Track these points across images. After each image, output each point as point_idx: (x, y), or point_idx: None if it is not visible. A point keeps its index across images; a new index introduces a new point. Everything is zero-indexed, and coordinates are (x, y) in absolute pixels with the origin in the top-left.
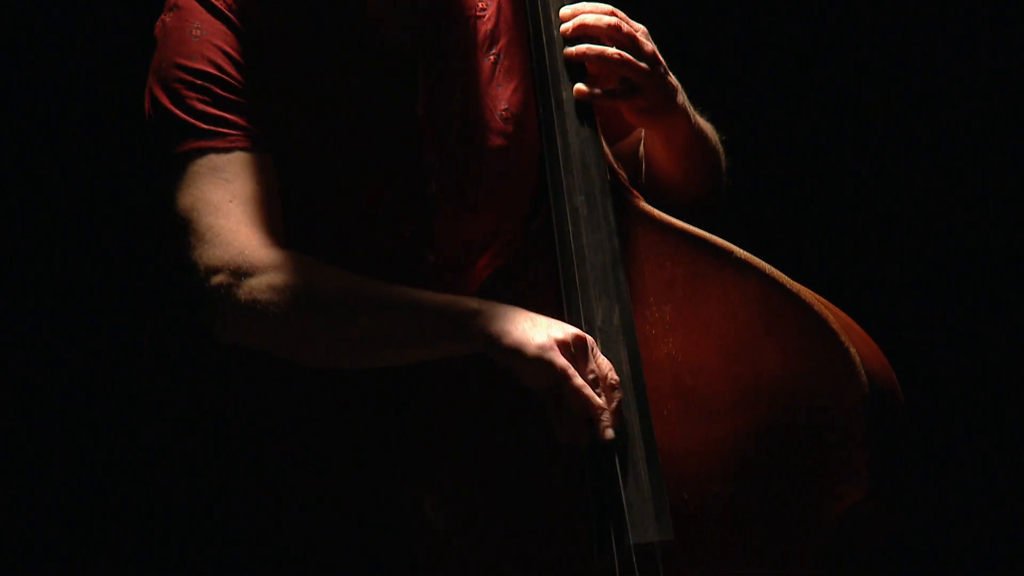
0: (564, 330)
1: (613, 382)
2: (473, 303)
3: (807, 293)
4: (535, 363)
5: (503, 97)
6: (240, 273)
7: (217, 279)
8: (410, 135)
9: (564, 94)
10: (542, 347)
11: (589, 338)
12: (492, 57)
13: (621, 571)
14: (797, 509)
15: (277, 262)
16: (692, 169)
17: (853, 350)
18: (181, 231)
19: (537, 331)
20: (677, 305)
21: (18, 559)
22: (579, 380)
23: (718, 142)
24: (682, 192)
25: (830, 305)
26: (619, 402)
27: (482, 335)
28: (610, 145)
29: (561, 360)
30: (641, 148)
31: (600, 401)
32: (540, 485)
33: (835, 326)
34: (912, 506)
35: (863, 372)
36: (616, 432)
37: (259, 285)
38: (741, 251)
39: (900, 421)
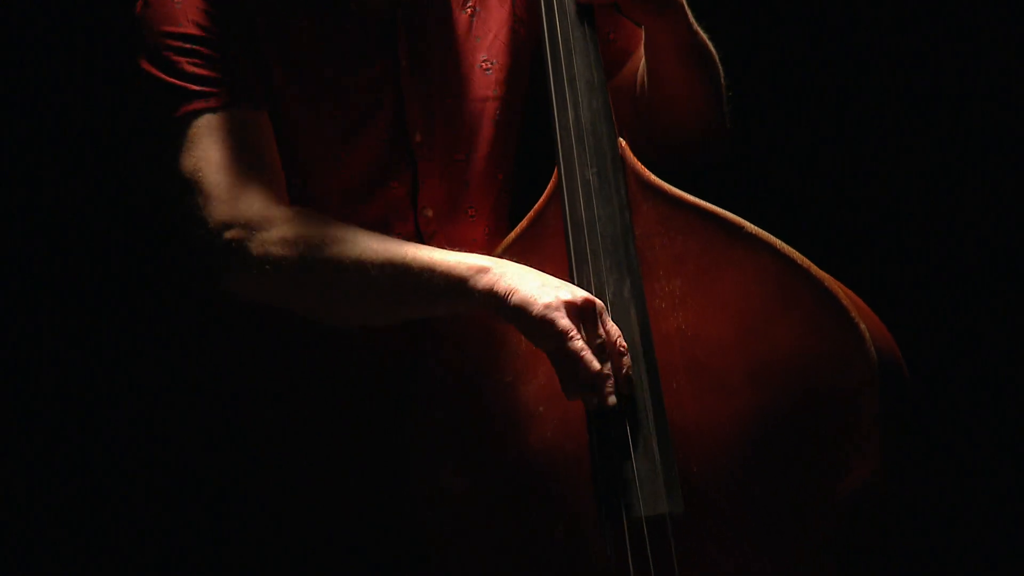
0: (574, 292)
1: (621, 348)
2: (485, 260)
3: (817, 270)
4: (539, 322)
5: (482, 48)
6: (252, 227)
7: (229, 234)
8: (392, 89)
9: (576, 68)
10: (547, 307)
11: (599, 302)
12: (469, 10)
13: (631, 543)
14: (807, 485)
15: (287, 216)
16: (693, 78)
17: (863, 326)
18: (187, 193)
19: (545, 291)
20: (688, 279)
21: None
22: (579, 343)
23: (716, 57)
24: (685, 109)
25: (837, 282)
26: (628, 369)
27: (490, 292)
28: (611, 78)
29: (564, 322)
30: (641, 69)
31: (597, 366)
32: (550, 455)
33: (846, 302)
34: (918, 484)
35: (873, 348)
36: (624, 400)
37: (271, 239)
38: (752, 226)
39: (907, 397)
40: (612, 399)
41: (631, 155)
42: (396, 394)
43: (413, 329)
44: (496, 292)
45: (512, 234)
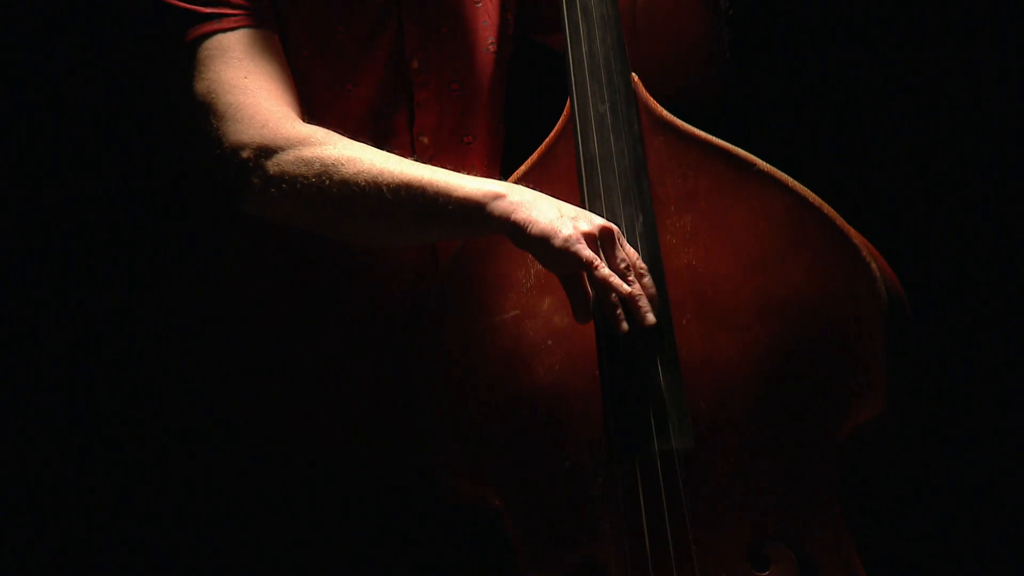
0: (591, 221)
1: (641, 269)
2: (499, 187)
3: (828, 208)
4: (561, 254)
5: None
6: (267, 147)
7: (245, 154)
8: (394, 16)
9: (591, 1)
10: (568, 239)
11: (615, 228)
12: None
13: (641, 477)
14: (813, 422)
15: (303, 135)
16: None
17: (875, 264)
18: (202, 115)
19: (563, 223)
20: (699, 215)
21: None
22: (605, 270)
23: None
24: (682, 36)
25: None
26: (652, 289)
27: (508, 221)
28: None
29: (587, 252)
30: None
31: (628, 288)
32: (559, 389)
33: (857, 240)
34: (921, 428)
35: (883, 287)
36: (639, 326)
37: (287, 158)
38: (764, 164)
39: (913, 338)
40: (650, 317)
41: (643, 90)
42: (403, 331)
43: (419, 268)
44: (515, 222)
45: (523, 167)
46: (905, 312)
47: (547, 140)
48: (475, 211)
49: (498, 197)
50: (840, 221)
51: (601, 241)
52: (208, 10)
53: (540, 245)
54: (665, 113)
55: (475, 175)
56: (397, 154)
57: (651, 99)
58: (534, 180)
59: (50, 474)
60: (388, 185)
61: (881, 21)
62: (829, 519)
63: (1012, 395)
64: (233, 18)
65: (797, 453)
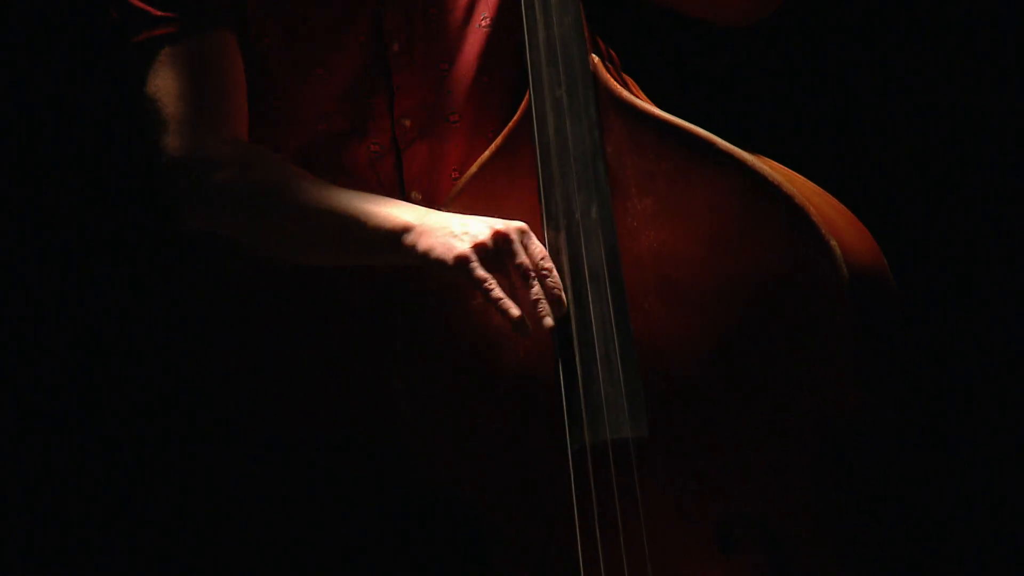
0: (486, 231)
1: (544, 271)
2: (409, 215)
3: (793, 184)
4: (458, 275)
5: None
6: (202, 166)
7: (181, 170)
8: (366, 3)
9: None
10: (460, 260)
11: (515, 229)
12: None
13: (593, 466)
14: (779, 404)
15: (237, 156)
16: None
17: (834, 243)
18: (148, 121)
19: (456, 242)
20: (659, 197)
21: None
22: (496, 293)
23: None
24: None
25: (818, 190)
26: (557, 289)
27: (415, 251)
28: None
29: (478, 273)
30: None
31: (515, 312)
32: (523, 377)
33: (816, 218)
34: (903, 406)
35: (844, 266)
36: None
37: (219, 179)
38: (724, 143)
39: (888, 314)
40: (548, 321)
41: (603, 72)
42: (375, 319)
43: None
44: (418, 251)
45: (486, 153)
46: (880, 288)
47: (509, 125)
48: (389, 242)
49: (407, 229)
50: (800, 199)
51: (498, 252)
52: (160, 13)
53: (440, 269)
54: (625, 94)
55: (457, 155)
56: (378, 138)
57: (611, 80)
58: (498, 164)
59: (47, 474)
60: (312, 214)
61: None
62: (798, 501)
63: (995, 379)
64: (185, 22)
65: (763, 435)
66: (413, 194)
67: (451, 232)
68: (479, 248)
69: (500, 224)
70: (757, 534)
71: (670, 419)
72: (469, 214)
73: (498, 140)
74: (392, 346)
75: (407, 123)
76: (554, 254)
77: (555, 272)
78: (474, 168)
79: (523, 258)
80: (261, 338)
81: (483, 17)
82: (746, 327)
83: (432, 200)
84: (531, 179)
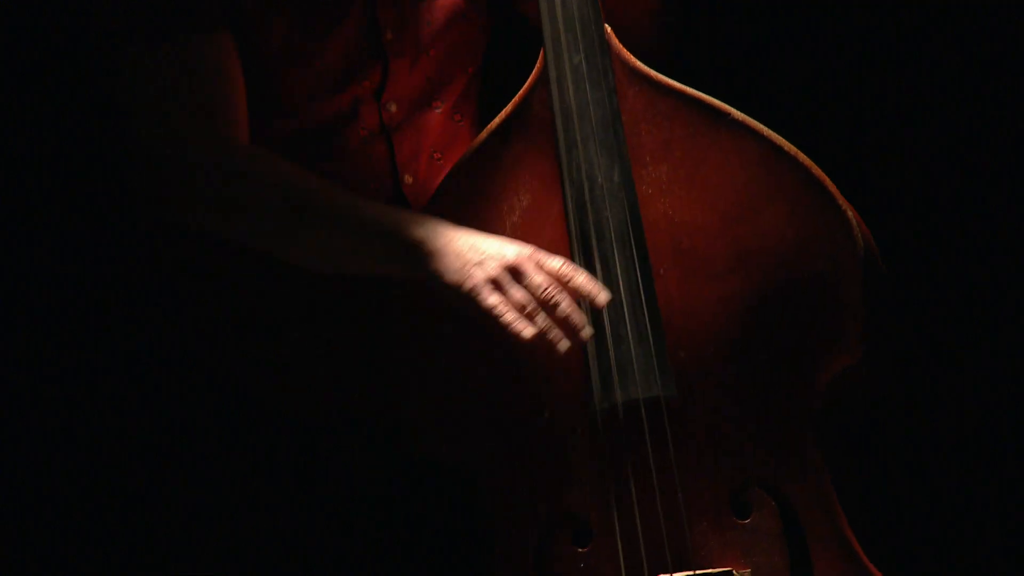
0: (499, 261)
1: (568, 276)
2: (418, 231)
3: (804, 156)
4: (470, 303)
5: None
6: (184, 168)
7: (162, 172)
8: None
9: None
10: (472, 290)
11: (524, 254)
12: None
13: (625, 426)
14: (791, 371)
15: (220, 159)
16: None
17: (850, 213)
18: (126, 122)
19: (468, 270)
20: (674, 165)
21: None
22: (508, 317)
23: None
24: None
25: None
26: (571, 312)
27: (424, 271)
28: None
29: (489, 301)
30: None
31: (528, 333)
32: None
33: (832, 188)
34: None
35: (859, 235)
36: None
37: (201, 181)
38: (738, 113)
39: (885, 285)
40: (563, 345)
41: (616, 41)
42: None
43: None
44: (428, 272)
45: (496, 120)
46: (879, 262)
47: (520, 93)
48: (397, 258)
49: (415, 247)
50: (815, 169)
51: (508, 279)
52: (146, 15)
53: (451, 296)
54: (639, 64)
55: (441, 141)
56: (368, 121)
57: (624, 49)
58: (507, 134)
59: (43, 474)
60: (307, 223)
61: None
62: (809, 466)
63: (991, 348)
64: (172, 24)
65: (776, 400)
66: (406, 177)
67: (465, 260)
68: (492, 281)
69: (511, 253)
70: (768, 496)
71: (687, 384)
72: (479, 179)
73: (509, 106)
74: (389, 307)
75: (393, 108)
76: (577, 216)
77: (567, 297)
78: (483, 136)
79: (536, 285)
80: (249, 302)
81: (470, 7)
82: (760, 295)
83: (425, 183)
84: (545, 144)
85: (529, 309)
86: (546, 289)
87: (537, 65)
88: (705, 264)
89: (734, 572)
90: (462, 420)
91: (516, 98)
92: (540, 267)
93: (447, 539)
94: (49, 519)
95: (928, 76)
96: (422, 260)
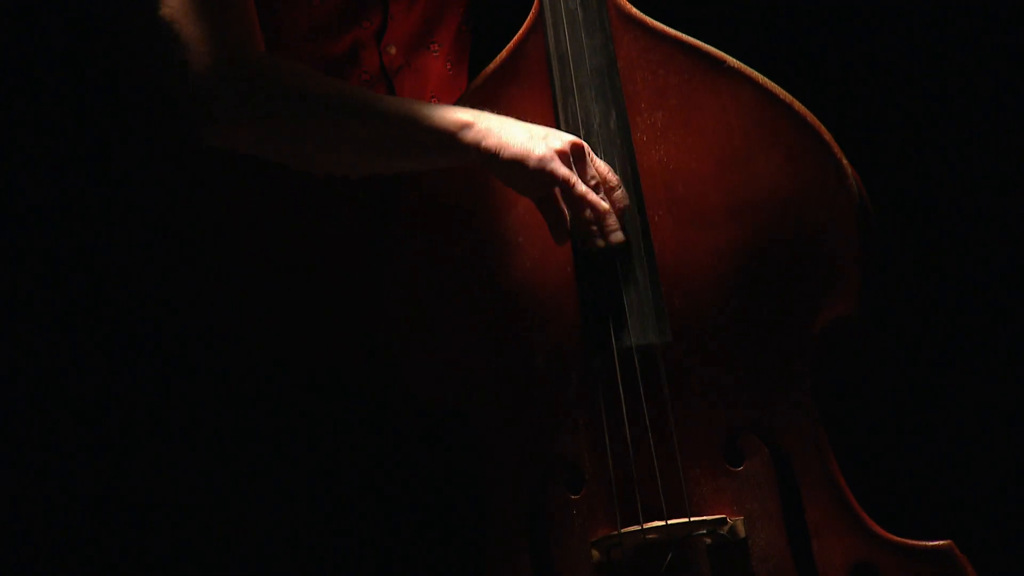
0: (561, 139)
1: (614, 183)
2: (466, 115)
3: (800, 105)
4: (536, 175)
5: None
6: (231, 77)
7: (209, 85)
8: None
9: None
10: (542, 159)
11: (585, 144)
12: None
13: (621, 371)
14: (786, 319)
15: (268, 65)
16: None
17: (846, 161)
18: (167, 40)
19: (535, 143)
20: (670, 112)
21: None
22: (582, 187)
23: None
24: None
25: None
26: (626, 202)
27: (477, 150)
28: None
29: (563, 170)
30: None
31: (605, 205)
32: (531, 285)
33: (828, 137)
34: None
35: (855, 183)
36: (607, 241)
37: (251, 89)
38: (734, 60)
39: (879, 233)
40: (618, 235)
41: None
42: (373, 231)
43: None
44: (486, 148)
45: (491, 66)
46: (869, 208)
47: (515, 38)
48: (445, 141)
49: (466, 126)
50: (811, 117)
51: (573, 158)
52: None
53: (514, 169)
54: (634, 10)
55: (441, 80)
56: (367, 64)
57: None
58: (502, 79)
59: (40, 474)
60: (354, 114)
61: None
62: (803, 413)
63: (983, 300)
64: None
65: (771, 348)
66: None
67: (528, 133)
68: (560, 153)
69: (568, 136)
70: (761, 443)
71: (682, 331)
72: None
73: (504, 52)
74: (387, 252)
75: (393, 51)
76: None
77: (622, 188)
78: (478, 80)
79: (596, 169)
80: (246, 249)
81: None
82: (755, 242)
83: None
84: (540, 91)
85: (595, 183)
86: (603, 176)
87: (532, 10)
88: (700, 211)
89: (727, 519)
90: (458, 365)
91: (511, 43)
92: (595, 158)
93: (443, 495)
94: (45, 516)
95: (925, 30)
96: (478, 137)
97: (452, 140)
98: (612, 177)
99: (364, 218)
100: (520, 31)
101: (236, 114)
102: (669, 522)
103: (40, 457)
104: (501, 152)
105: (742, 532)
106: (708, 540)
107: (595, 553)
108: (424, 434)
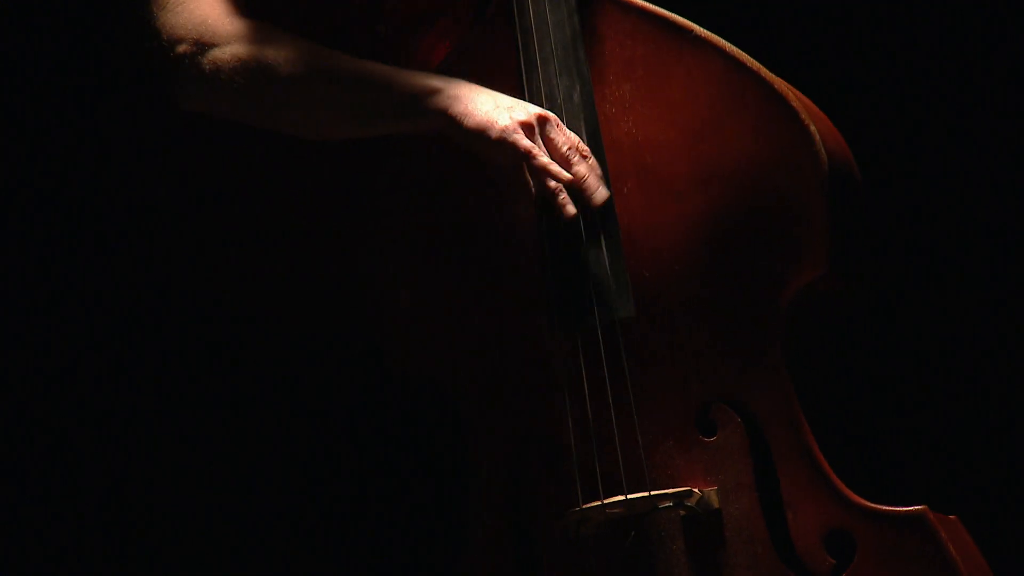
0: (527, 111)
1: (585, 151)
2: (436, 81)
3: (767, 72)
4: (498, 145)
5: None
6: (203, 43)
7: (181, 48)
8: None
9: None
10: (504, 130)
11: (552, 115)
12: None
13: (583, 347)
14: (756, 288)
15: (240, 32)
16: None
17: (814, 128)
18: (143, 4)
19: (499, 113)
20: (637, 84)
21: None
22: (543, 159)
23: None
24: None
25: (790, 87)
26: (597, 170)
27: (444, 115)
28: None
29: (525, 142)
30: None
31: (567, 175)
32: (500, 258)
33: (796, 104)
34: (867, 289)
35: (823, 151)
36: (588, 207)
37: (222, 55)
38: (702, 30)
39: (859, 200)
40: (599, 195)
41: None
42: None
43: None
44: (451, 115)
45: (463, 39)
46: (851, 175)
47: (487, 12)
48: (410, 105)
49: (434, 92)
50: (780, 85)
51: (539, 128)
52: None
53: (477, 138)
54: None
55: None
56: (360, 47)
57: None
58: (469, 51)
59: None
60: (323, 79)
61: None
62: (775, 381)
63: (954, 266)
64: None
65: (742, 318)
66: None
67: (494, 103)
68: (523, 123)
69: (535, 108)
70: (734, 413)
71: (652, 303)
72: None
73: (473, 27)
74: (366, 223)
75: (380, 28)
76: None
77: (591, 159)
78: (452, 53)
79: (567, 137)
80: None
81: None
82: (724, 213)
83: None
84: (508, 63)
85: (565, 152)
86: (572, 146)
87: None
88: (669, 182)
89: (693, 490)
90: (437, 336)
91: (479, 17)
92: (563, 129)
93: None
94: (43, 515)
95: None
96: (445, 103)
97: (418, 104)
98: (583, 146)
99: (344, 186)
100: (491, 5)
101: (202, 84)
102: (629, 496)
103: (40, 457)
104: (464, 120)
105: (716, 503)
106: (682, 512)
107: (565, 529)
108: (406, 418)
